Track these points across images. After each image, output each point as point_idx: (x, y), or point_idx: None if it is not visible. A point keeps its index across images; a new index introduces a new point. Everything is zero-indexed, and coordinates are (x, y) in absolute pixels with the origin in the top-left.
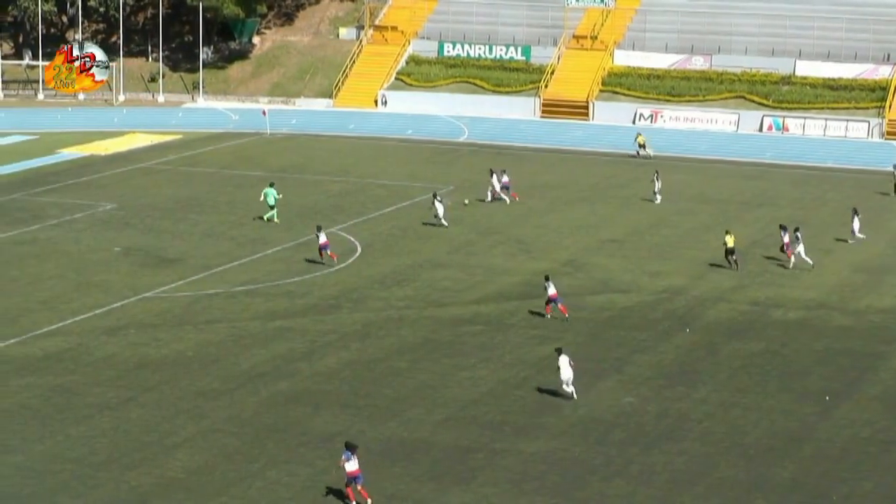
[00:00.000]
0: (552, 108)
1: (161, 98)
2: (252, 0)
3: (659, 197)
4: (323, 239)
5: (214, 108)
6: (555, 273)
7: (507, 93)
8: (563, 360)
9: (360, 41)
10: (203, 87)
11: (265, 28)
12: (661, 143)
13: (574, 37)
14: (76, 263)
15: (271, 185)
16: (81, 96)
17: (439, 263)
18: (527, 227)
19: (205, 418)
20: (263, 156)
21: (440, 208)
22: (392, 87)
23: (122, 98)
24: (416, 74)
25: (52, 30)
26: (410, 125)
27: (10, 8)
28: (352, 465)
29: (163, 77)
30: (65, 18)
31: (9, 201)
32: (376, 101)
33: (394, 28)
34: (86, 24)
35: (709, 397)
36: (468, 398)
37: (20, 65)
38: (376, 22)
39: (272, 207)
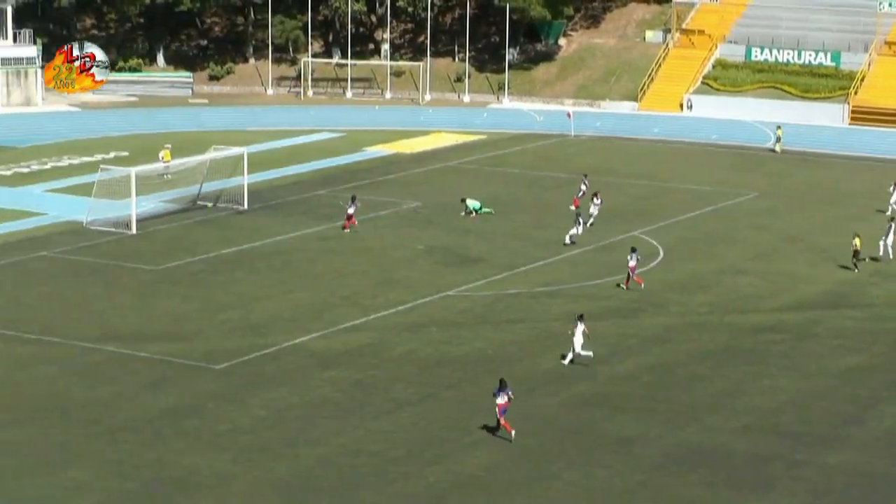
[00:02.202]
0: (862, 116)
1: (466, 98)
2: (559, 2)
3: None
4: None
5: (519, 109)
6: (862, 283)
7: (815, 99)
8: (579, 329)
9: (667, 44)
10: (508, 87)
11: (571, 30)
12: None
13: (886, 43)
14: (379, 260)
15: (463, 201)
16: (388, 94)
17: (741, 270)
18: (831, 234)
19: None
20: (567, 157)
21: (577, 229)
22: (698, 92)
23: (428, 98)
24: (723, 79)
25: (361, 29)
26: (715, 130)
27: (321, 7)
28: (501, 399)
29: (468, 77)
30: (374, 18)
31: (315, 197)
32: (682, 105)
33: (701, 32)
34: (394, 23)
35: None
36: (768, 407)
37: (330, 63)
38: (683, 25)
39: (479, 210)
